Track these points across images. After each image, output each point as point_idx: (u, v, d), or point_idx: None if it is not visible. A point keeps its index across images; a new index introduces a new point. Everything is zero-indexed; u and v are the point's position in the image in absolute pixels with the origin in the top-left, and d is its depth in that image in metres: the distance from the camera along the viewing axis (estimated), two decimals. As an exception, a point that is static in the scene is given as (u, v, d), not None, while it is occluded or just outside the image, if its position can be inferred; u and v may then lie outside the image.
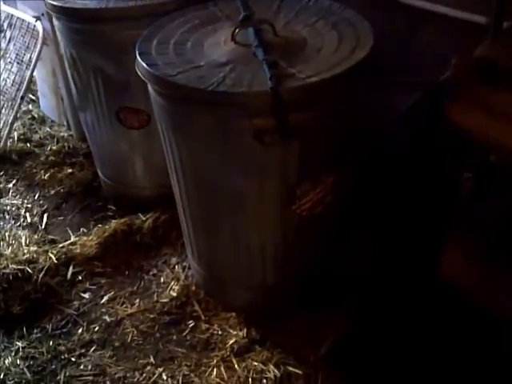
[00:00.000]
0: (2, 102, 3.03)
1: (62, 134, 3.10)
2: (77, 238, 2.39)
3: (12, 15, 2.98)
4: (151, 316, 2.04)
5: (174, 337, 1.97)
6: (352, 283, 1.97)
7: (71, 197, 2.68)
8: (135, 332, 2.00)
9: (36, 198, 2.70)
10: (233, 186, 1.68)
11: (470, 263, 1.56)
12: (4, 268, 2.18)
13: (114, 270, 2.26)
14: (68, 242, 2.38)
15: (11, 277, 2.15)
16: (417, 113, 1.71)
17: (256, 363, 1.84)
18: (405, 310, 1.82)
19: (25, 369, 1.90)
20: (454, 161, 1.64)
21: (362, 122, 1.75)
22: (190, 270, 2.18)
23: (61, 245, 2.36)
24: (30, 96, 3.38)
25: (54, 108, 3.15)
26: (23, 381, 1.87)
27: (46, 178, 2.80)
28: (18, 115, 3.06)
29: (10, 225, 2.53)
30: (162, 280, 2.18)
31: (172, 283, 2.15)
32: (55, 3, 2.10)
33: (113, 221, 2.43)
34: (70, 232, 2.45)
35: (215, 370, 1.84)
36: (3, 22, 3.05)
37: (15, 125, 3.06)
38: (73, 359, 1.93)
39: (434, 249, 1.67)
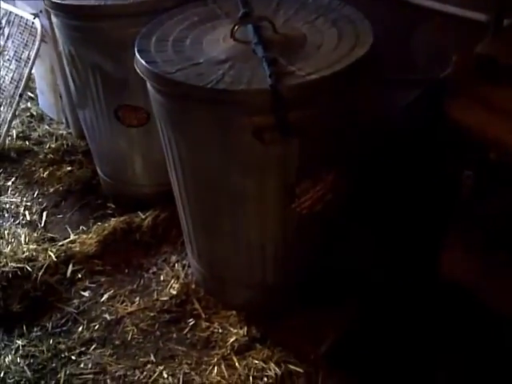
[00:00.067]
0: (1, 100, 3.02)
1: (60, 131, 3.09)
2: (76, 236, 2.38)
3: (10, 12, 2.96)
4: (151, 314, 2.04)
5: (175, 335, 1.97)
6: (352, 281, 1.97)
7: (70, 195, 2.67)
8: (135, 330, 2.00)
9: (35, 196, 2.69)
10: (232, 184, 1.68)
11: (471, 260, 1.56)
12: (3, 266, 2.18)
13: (114, 268, 2.25)
14: (67, 240, 2.37)
15: (11, 275, 2.15)
16: (416, 110, 1.70)
17: (257, 361, 1.84)
18: (405, 308, 1.82)
19: (25, 367, 1.90)
20: (454, 158, 1.64)
21: (362, 120, 1.74)
22: (190, 269, 2.18)
23: (60, 243, 2.36)
24: (29, 94, 3.37)
25: (53, 105, 3.14)
26: (23, 379, 1.87)
27: (44, 175, 2.79)
28: (17, 113, 3.05)
29: (9, 223, 2.52)
30: (161, 278, 2.18)
31: (172, 281, 2.15)
32: (54, 0, 2.08)
33: (112, 219, 2.43)
34: (70, 230, 2.44)
35: (216, 368, 1.84)
36: (1, 19, 3.03)
37: (14, 123, 3.05)
38: (73, 357, 1.93)
39: (435, 246, 1.67)
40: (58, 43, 2.42)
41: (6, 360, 1.93)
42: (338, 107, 1.59)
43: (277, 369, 1.81)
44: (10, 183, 2.78)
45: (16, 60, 2.96)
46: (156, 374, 1.84)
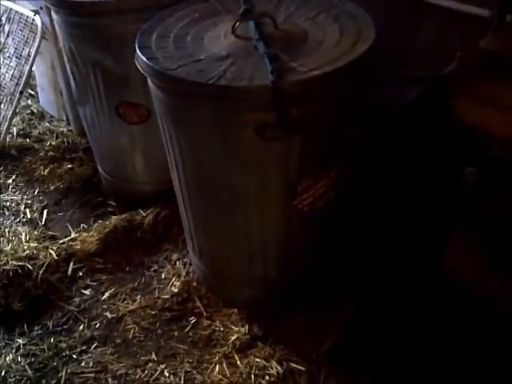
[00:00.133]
0: (1, 97, 3.01)
1: (61, 129, 3.09)
2: (77, 234, 2.38)
3: (10, 9, 2.95)
4: (152, 312, 2.03)
5: (176, 333, 1.97)
6: (353, 278, 1.96)
7: (71, 192, 2.67)
8: (136, 328, 1.99)
9: (36, 193, 2.69)
10: (234, 181, 1.67)
11: (475, 258, 1.55)
12: (4, 264, 2.18)
13: (115, 266, 2.25)
14: (68, 238, 2.37)
15: (11, 273, 2.14)
16: (419, 107, 1.69)
17: (258, 360, 1.83)
18: (407, 306, 1.81)
19: (26, 366, 1.90)
20: (457, 155, 1.63)
21: (364, 116, 1.73)
22: (191, 266, 2.17)
23: (61, 241, 2.35)
24: (29, 91, 3.37)
25: (53, 103, 3.13)
26: (24, 378, 1.86)
27: (45, 173, 2.79)
28: (17, 110, 3.04)
29: (9, 221, 2.52)
30: (163, 276, 2.18)
31: (173, 279, 2.14)
32: (54, -3, 2.08)
33: (113, 217, 2.43)
34: (70, 228, 2.44)
35: (217, 366, 1.84)
36: (1, 16, 3.03)
37: (14, 120, 3.05)
38: (74, 356, 1.92)
39: (437, 244, 1.66)
40: (58, 40, 2.41)
41: (7, 359, 1.92)
42: (339, 104, 1.58)
43: (279, 367, 1.81)
44: (10, 181, 2.78)
45: (16, 57, 2.95)
46: (157, 373, 1.84)
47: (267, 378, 1.79)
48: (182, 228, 2.09)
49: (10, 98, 2.95)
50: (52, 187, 2.71)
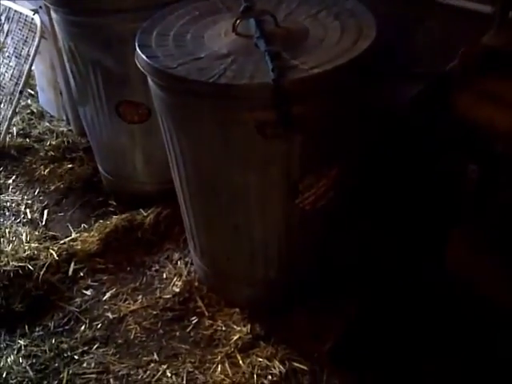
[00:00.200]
0: (1, 97, 3.00)
1: (61, 128, 3.07)
2: (78, 234, 2.37)
3: (9, 8, 2.94)
4: (154, 312, 2.02)
5: (178, 333, 1.96)
6: (355, 278, 1.95)
7: (71, 192, 2.66)
8: (138, 329, 1.98)
9: (36, 193, 2.68)
10: (235, 180, 1.66)
11: (476, 257, 1.54)
12: (5, 265, 2.16)
13: (116, 266, 2.24)
14: (69, 238, 2.36)
15: (12, 274, 2.13)
16: (421, 104, 1.68)
17: (261, 359, 1.82)
18: (408, 305, 1.80)
19: (27, 367, 1.89)
20: (459, 152, 1.62)
21: (366, 114, 1.72)
22: (193, 266, 2.16)
23: (62, 241, 2.34)
24: (29, 90, 3.35)
25: (53, 102, 3.12)
26: (26, 379, 1.85)
27: (45, 173, 2.78)
28: (17, 110, 3.03)
29: (10, 221, 2.51)
30: (164, 276, 2.17)
31: (175, 279, 2.13)
32: (53, -4, 2.07)
33: (114, 216, 2.41)
34: (71, 228, 2.43)
35: (220, 366, 1.83)
36: (1, 15, 3.02)
37: (14, 120, 3.04)
38: (75, 357, 1.91)
39: (439, 243, 1.65)
40: (57, 39, 2.40)
41: (8, 360, 1.91)
42: (341, 101, 1.57)
43: (281, 366, 1.80)
44: (10, 181, 2.77)
45: (16, 57, 2.94)
46: (159, 373, 1.83)
47: (270, 377, 1.78)
48: (183, 227, 2.09)
49: (10, 98, 2.94)
50: (52, 187, 2.69)
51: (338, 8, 1.78)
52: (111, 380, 1.83)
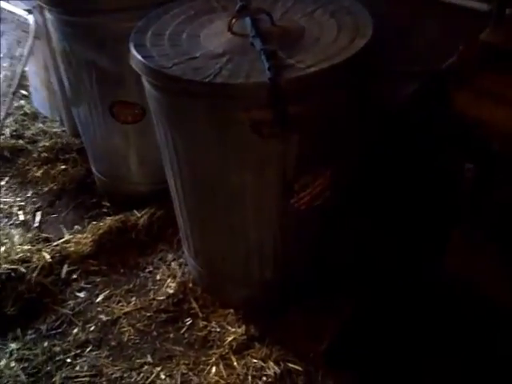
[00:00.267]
0: (-7, 98, 2.98)
1: (54, 129, 3.05)
2: (71, 236, 2.35)
3: (2, 9, 2.92)
4: (148, 314, 2.01)
5: (172, 335, 1.94)
6: (352, 277, 1.94)
7: (65, 194, 2.64)
8: (132, 331, 1.97)
9: (29, 195, 2.65)
10: (230, 180, 1.65)
11: (475, 257, 1.54)
12: (-3, 267, 2.14)
13: (110, 267, 2.22)
14: (62, 240, 2.34)
15: (4, 277, 2.11)
16: (419, 101, 1.67)
17: (255, 360, 1.81)
18: (406, 305, 1.79)
19: (19, 371, 1.86)
20: (456, 151, 1.62)
21: (363, 112, 1.71)
22: (187, 267, 2.15)
23: (55, 243, 2.32)
24: (22, 91, 3.30)
25: (47, 103, 3.10)
26: (18, 383, 1.83)
27: (38, 174, 2.75)
28: (10, 111, 3.00)
29: (2, 223, 2.48)
30: (158, 277, 2.15)
31: (168, 280, 2.12)
32: (47, -5, 2.05)
33: (107, 218, 2.39)
34: (64, 230, 2.41)
35: (214, 368, 1.81)
36: (-6, 16, 3.00)
37: (7, 121, 3.01)
38: (68, 360, 1.89)
39: (438, 242, 1.64)
40: (51, 39, 2.38)
41: (1, 364, 1.89)
42: (337, 100, 1.57)
43: (276, 367, 1.78)
44: (3, 183, 2.74)
45: (9, 57, 2.91)
46: (153, 376, 1.81)
47: (264, 378, 1.76)
48: (177, 228, 2.07)
49: (3, 99, 2.91)
50: (45, 189, 2.67)
51: (334, 6, 1.78)
52: (104, 383, 1.81)
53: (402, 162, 1.80)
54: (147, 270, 2.19)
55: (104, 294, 2.12)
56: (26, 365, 1.89)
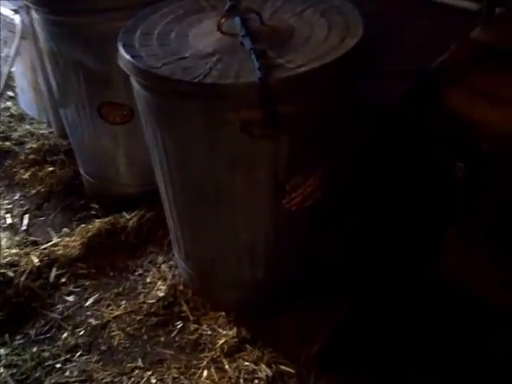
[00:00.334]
0: (-21, 100, 2.95)
1: (42, 131, 3.01)
2: (59, 239, 2.32)
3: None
4: (138, 318, 1.98)
5: (162, 338, 1.92)
6: (344, 278, 1.93)
7: (53, 196, 2.60)
8: (122, 335, 1.94)
9: (16, 198, 2.62)
10: (220, 181, 1.64)
11: (469, 254, 1.54)
12: (-16, 272, 2.11)
13: (99, 271, 2.19)
14: (50, 243, 2.31)
15: (-8, 281, 2.08)
16: (410, 100, 1.67)
17: (247, 363, 1.79)
18: (400, 305, 1.79)
19: (8, 377, 1.83)
20: (447, 150, 1.62)
21: (354, 112, 1.71)
22: (177, 269, 2.13)
23: (43, 246, 2.29)
24: (9, 93, 3.28)
25: (34, 104, 3.06)
26: (6, 389, 1.81)
27: (26, 177, 2.72)
28: (-4, 113, 2.98)
29: (-11, 227, 2.45)
30: (148, 280, 2.13)
31: (159, 283, 2.09)
32: (33, -5, 2.03)
33: (96, 220, 2.37)
34: (52, 233, 2.38)
35: (205, 371, 1.79)
36: (-21, 16, 2.96)
37: (-7, 123, 2.98)
38: (58, 365, 1.86)
39: (432, 240, 1.64)
40: (38, 40, 2.36)
41: (-11, 370, 1.87)
42: (328, 100, 1.56)
43: (268, 370, 1.77)
44: (-11, 185, 2.71)
45: (-5, 58, 2.88)
46: (144, 380, 1.79)
47: (256, 381, 1.75)
48: (167, 230, 2.06)
49: (-11, 101, 2.88)
50: (33, 191, 2.64)
51: (324, 5, 1.77)
52: (94, 388, 1.79)
53: (394, 160, 1.80)
54: (137, 273, 2.17)
55: (93, 297, 2.09)
56: (14, 371, 1.86)
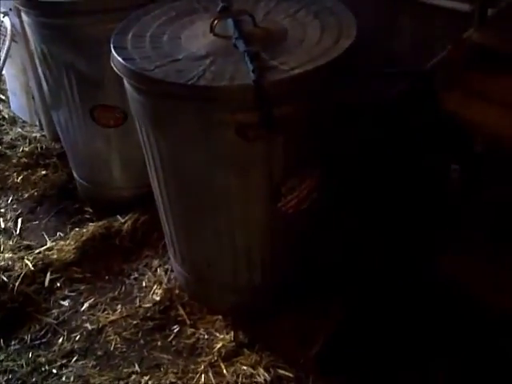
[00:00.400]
0: (-29, 103, 2.93)
1: (34, 134, 3.00)
2: (53, 243, 2.31)
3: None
4: (134, 322, 1.97)
5: (159, 343, 1.91)
6: (342, 279, 1.92)
7: (46, 200, 2.59)
8: (118, 339, 1.93)
9: (9, 202, 2.60)
10: (216, 184, 1.63)
11: (465, 255, 1.53)
12: (-22, 277, 2.09)
13: (94, 275, 2.18)
14: (44, 247, 2.29)
15: (-15, 286, 2.06)
16: (404, 102, 1.67)
17: (245, 367, 1.78)
18: (398, 307, 1.79)
19: (3, 383, 1.82)
20: (442, 152, 1.62)
21: (348, 113, 1.70)
22: (173, 273, 2.12)
23: (37, 250, 2.28)
24: (0, 96, 3.28)
25: (25, 107, 3.05)
26: (2, 396, 1.80)
27: (18, 180, 2.70)
28: (-12, 116, 2.96)
29: (-18, 231, 2.43)
30: (143, 284, 2.11)
31: (154, 287, 2.08)
32: (23, -3, 2.01)
33: (90, 224, 2.36)
34: (46, 237, 2.36)
35: (203, 376, 1.78)
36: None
37: (-15, 126, 2.97)
38: (54, 371, 1.85)
39: (428, 241, 1.64)
40: (29, 42, 2.35)
41: (-16, 376, 1.85)
42: (323, 102, 1.55)
43: (266, 374, 1.76)
44: (-18, 190, 2.69)
45: (-15, 61, 2.86)
46: (141, 385, 1.78)
47: (254, 385, 1.75)
48: (162, 233, 2.04)
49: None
50: (26, 195, 2.62)
51: (316, 7, 1.76)
52: (91, 393, 1.78)
53: (390, 161, 1.80)
54: (132, 277, 2.15)
55: (89, 302, 2.08)
56: (9, 376, 1.85)
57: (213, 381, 1.76)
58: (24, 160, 2.81)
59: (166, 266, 2.16)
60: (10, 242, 2.34)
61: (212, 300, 2.00)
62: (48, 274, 2.17)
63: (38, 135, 2.98)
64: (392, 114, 1.72)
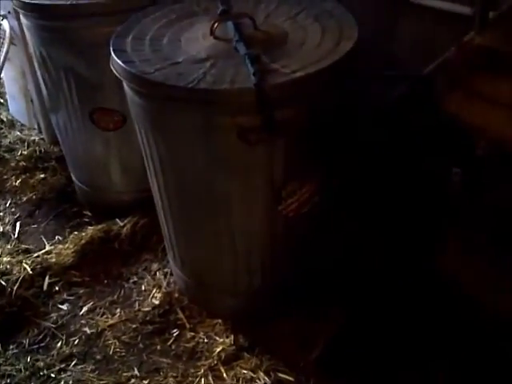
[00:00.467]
0: (-31, 106, 2.92)
1: (32, 137, 3.00)
2: (52, 247, 2.30)
3: (-24, 15, 2.86)
4: (133, 326, 1.96)
5: (159, 347, 1.90)
6: (343, 282, 1.92)
7: (44, 203, 2.58)
8: (117, 343, 1.92)
9: (7, 205, 2.60)
10: (216, 188, 1.62)
11: (465, 256, 1.53)
12: (-24, 281, 2.09)
13: (93, 278, 2.17)
14: (43, 251, 2.29)
15: (-16, 290, 2.06)
16: (405, 105, 1.67)
17: (245, 371, 1.77)
18: (398, 309, 1.78)
19: (2, 388, 1.82)
20: (443, 155, 1.61)
21: (349, 116, 1.70)
22: (172, 277, 2.11)
23: (35, 254, 2.27)
24: (-2, 99, 3.28)
25: (24, 111, 3.05)
26: (0, 401, 1.79)
27: (17, 184, 2.70)
28: (-14, 120, 2.96)
29: (-20, 235, 2.43)
30: (143, 288, 2.11)
31: (154, 291, 2.08)
32: (23, 0, 2.00)
33: (89, 227, 2.35)
34: (45, 240, 2.36)
35: (203, 379, 1.77)
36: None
37: (-17, 130, 2.96)
38: (52, 375, 1.84)
39: (428, 243, 1.64)
40: (28, 45, 2.34)
41: (-18, 380, 1.84)
42: (324, 105, 1.54)
43: (266, 378, 1.75)
44: (-20, 193, 2.68)
45: (-16, 64, 2.85)
46: (140, 389, 1.77)
47: (255, 389, 1.74)
48: (162, 237, 2.04)
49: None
50: (24, 198, 2.62)
51: (316, 9, 1.76)
52: (90, 398, 1.77)
53: (391, 164, 1.80)
54: (131, 281, 2.15)
55: (87, 305, 2.07)
56: (8, 381, 1.84)
57: (213, 385, 1.75)
58: (22, 163, 2.81)
59: (166, 270, 2.15)
60: (9, 246, 2.33)
61: (212, 303, 1.99)
62: (46, 278, 2.16)
63: (36, 138, 2.98)
64: (392, 117, 1.72)
